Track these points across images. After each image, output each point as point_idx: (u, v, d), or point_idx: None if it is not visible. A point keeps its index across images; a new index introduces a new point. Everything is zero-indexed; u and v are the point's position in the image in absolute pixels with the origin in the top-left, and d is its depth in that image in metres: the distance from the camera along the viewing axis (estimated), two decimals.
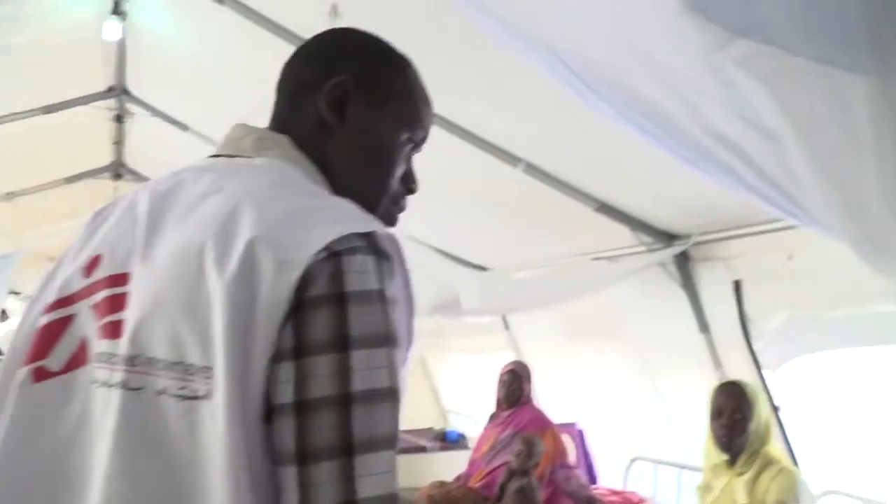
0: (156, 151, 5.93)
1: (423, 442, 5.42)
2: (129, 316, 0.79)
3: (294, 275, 0.72)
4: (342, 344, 0.72)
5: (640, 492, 4.03)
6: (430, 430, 5.82)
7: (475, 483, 3.70)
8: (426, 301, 4.27)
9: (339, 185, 0.91)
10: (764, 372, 3.54)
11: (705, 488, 2.70)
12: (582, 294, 3.94)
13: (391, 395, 0.74)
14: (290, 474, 0.71)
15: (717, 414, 2.59)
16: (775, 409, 3.47)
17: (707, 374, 3.61)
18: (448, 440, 5.54)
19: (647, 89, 1.39)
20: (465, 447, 5.02)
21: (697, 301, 3.74)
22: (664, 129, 1.40)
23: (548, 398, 4.67)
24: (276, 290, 0.72)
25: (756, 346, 3.51)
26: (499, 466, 3.67)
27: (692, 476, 3.52)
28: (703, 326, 3.75)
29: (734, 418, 2.54)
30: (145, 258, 0.83)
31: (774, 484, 2.45)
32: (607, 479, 4.41)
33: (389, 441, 0.73)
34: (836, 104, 1.00)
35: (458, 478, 3.84)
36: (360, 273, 0.74)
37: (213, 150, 0.95)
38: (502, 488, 3.55)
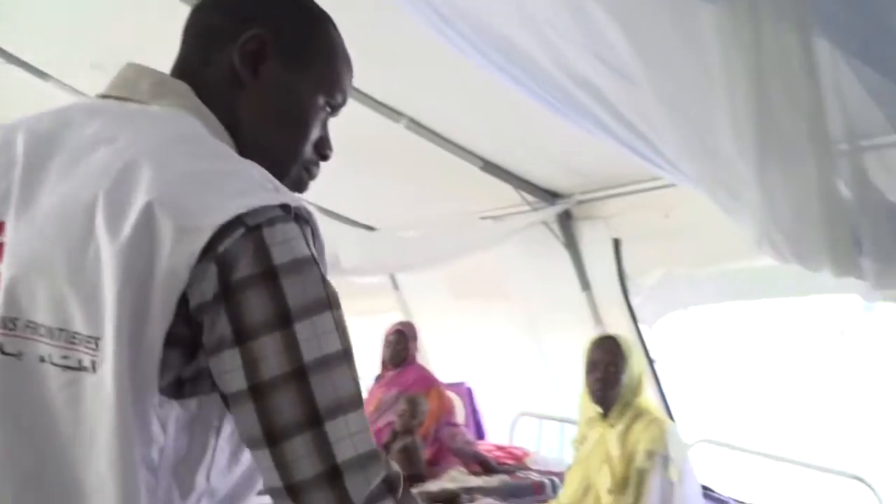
0: (10, 102, 5.49)
1: None
2: (3, 271, 0.74)
3: (197, 243, 0.69)
4: (284, 319, 0.71)
5: (524, 446, 4.10)
6: None
7: None
8: None
9: (246, 145, 0.86)
10: (641, 327, 3.64)
11: (580, 440, 2.75)
12: (467, 253, 3.93)
13: (345, 356, 0.74)
14: (264, 457, 0.71)
15: (591, 368, 2.63)
16: (651, 362, 3.58)
17: (588, 331, 3.68)
18: None
19: (510, 30, 1.35)
20: None
21: (579, 259, 3.80)
22: (527, 71, 1.36)
23: (437, 358, 4.67)
24: (175, 258, 0.69)
25: (633, 302, 3.60)
26: (384, 427, 3.64)
27: (573, 430, 3.59)
28: (585, 284, 3.82)
29: (608, 372, 2.59)
30: (23, 208, 0.75)
31: (645, 434, 2.51)
32: (494, 435, 4.47)
33: (354, 401, 0.74)
34: (686, 37, 0.97)
35: None
36: (285, 243, 0.72)
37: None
38: (386, 448, 3.52)
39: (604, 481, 2.51)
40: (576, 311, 3.87)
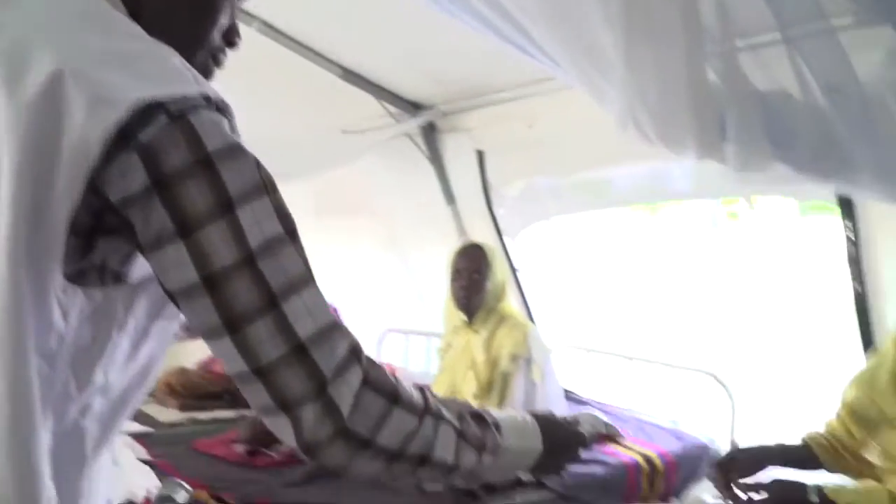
0: None
1: None
2: None
3: (111, 118, 0.65)
4: (227, 207, 0.70)
5: (392, 362, 4.09)
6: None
7: (220, 368, 3.50)
8: None
9: (148, 27, 0.77)
10: (505, 239, 3.67)
11: (445, 349, 2.76)
12: (328, 168, 3.80)
13: (290, 237, 0.74)
14: (226, 345, 0.71)
15: (456, 275, 2.61)
16: (514, 271, 3.63)
17: (453, 245, 3.68)
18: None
19: None
20: None
21: (444, 173, 3.76)
22: None
23: None
24: (86, 131, 0.65)
25: (497, 214, 3.62)
26: None
27: (439, 343, 3.62)
28: (450, 198, 3.79)
29: (472, 279, 2.58)
30: None
31: (508, 339, 2.54)
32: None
33: (306, 278, 0.75)
34: None
35: (203, 364, 3.63)
36: (215, 129, 0.71)
37: None
38: None
39: (469, 387, 2.53)
40: (441, 226, 3.85)
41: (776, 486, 1.60)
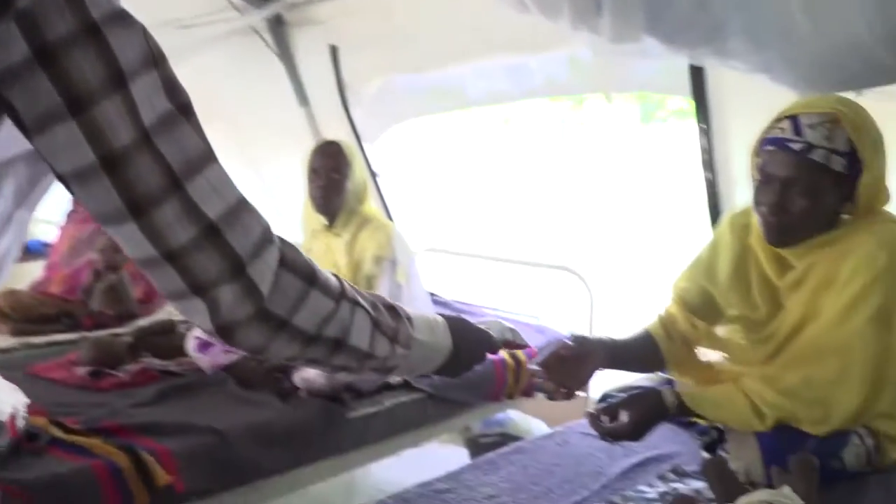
0: None
1: None
2: None
3: None
4: (119, 80, 0.65)
5: None
6: None
7: (56, 289, 3.21)
8: None
9: None
10: (364, 144, 3.52)
11: (305, 254, 2.61)
12: None
13: (182, 112, 0.70)
14: (130, 230, 0.68)
15: (313, 175, 2.45)
16: (374, 176, 3.51)
17: (309, 149, 3.50)
18: (30, 251, 4.77)
19: None
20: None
21: (295, 71, 3.52)
22: None
23: None
24: None
25: (355, 115, 3.45)
26: (83, 266, 3.21)
27: None
28: (303, 99, 3.57)
29: (331, 178, 2.43)
30: None
31: (372, 241, 2.43)
32: None
33: (206, 155, 0.71)
34: None
35: (35, 285, 3.30)
36: None
37: None
38: (89, 289, 3.13)
39: None
40: (294, 130, 3.64)
41: (632, 402, 1.40)
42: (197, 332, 2.49)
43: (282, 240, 0.78)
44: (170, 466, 1.86)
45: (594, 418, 1.41)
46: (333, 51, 3.31)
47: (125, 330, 2.80)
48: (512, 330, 1.24)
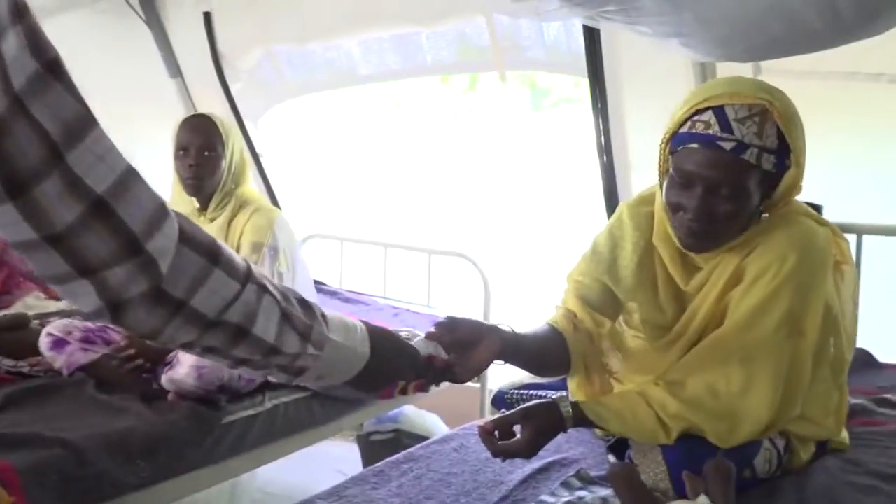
0: None
1: None
2: None
3: None
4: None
5: None
6: None
7: None
8: None
9: None
10: (246, 123, 3.27)
11: None
12: None
13: (51, 70, 0.61)
14: (7, 212, 0.61)
15: (182, 152, 2.19)
16: (257, 156, 3.27)
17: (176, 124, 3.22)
18: None
19: None
20: None
21: (165, 38, 3.22)
22: None
23: None
24: None
25: (234, 90, 3.19)
26: None
27: None
28: (175, 70, 3.27)
29: (203, 156, 2.17)
30: None
31: (249, 226, 2.20)
32: None
33: (86, 119, 0.63)
34: None
35: None
36: None
37: None
38: None
39: None
40: (166, 105, 3.33)
41: (527, 416, 1.24)
42: (51, 329, 2.20)
43: (178, 213, 0.72)
44: (12, 485, 1.61)
45: (487, 434, 1.25)
46: (207, 17, 3.03)
47: None
48: (435, 345, 1.12)
